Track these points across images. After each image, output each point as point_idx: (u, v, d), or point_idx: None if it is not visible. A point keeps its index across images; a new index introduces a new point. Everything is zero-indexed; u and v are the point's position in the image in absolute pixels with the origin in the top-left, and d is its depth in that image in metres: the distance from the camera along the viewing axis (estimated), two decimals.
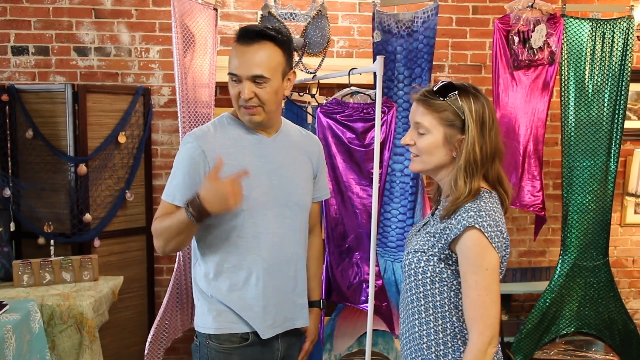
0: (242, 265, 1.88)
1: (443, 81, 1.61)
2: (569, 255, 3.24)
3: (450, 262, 1.57)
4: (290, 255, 1.96)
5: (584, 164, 3.18)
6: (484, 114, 1.58)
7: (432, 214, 1.72)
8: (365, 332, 2.83)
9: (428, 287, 1.59)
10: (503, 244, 1.55)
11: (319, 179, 2.11)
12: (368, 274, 2.48)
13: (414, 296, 1.63)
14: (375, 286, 2.41)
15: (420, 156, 1.65)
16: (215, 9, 3.14)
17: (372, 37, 2.82)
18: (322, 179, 2.15)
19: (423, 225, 1.72)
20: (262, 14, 2.54)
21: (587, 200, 3.19)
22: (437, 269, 1.58)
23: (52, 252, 3.21)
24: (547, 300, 3.26)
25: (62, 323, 2.81)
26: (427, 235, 1.62)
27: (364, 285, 2.53)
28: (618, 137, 3.16)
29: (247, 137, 1.92)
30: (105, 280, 3.17)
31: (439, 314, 1.60)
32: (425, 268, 1.59)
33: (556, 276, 3.27)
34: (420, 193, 2.82)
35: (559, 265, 3.27)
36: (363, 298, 2.54)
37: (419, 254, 1.61)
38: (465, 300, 1.53)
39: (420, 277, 1.60)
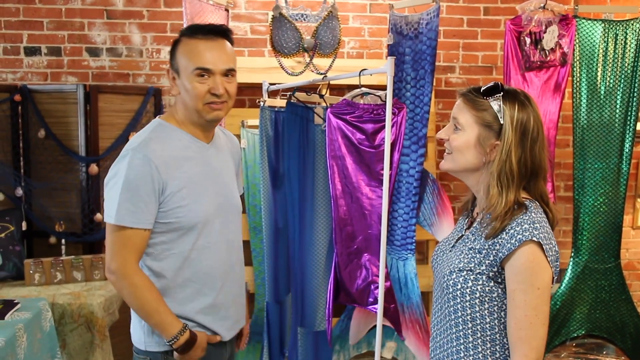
0: (196, 278, 1.85)
1: (496, 82, 1.52)
2: (580, 257, 3.22)
3: (499, 280, 1.45)
4: (235, 259, 1.97)
5: (596, 165, 3.16)
6: (527, 123, 1.46)
7: (468, 228, 1.61)
8: (371, 327, 2.84)
9: (477, 309, 1.47)
10: (555, 258, 1.44)
11: (238, 178, 2.11)
12: (376, 276, 2.48)
13: (460, 319, 1.50)
14: (384, 288, 2.40)
15: (452, 154, 1.55)
16: (227, 10, 3.15)
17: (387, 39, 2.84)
18: (239, 180, 2.14)
19: (457, 240, 1.61)
20: (273, 15, 2.54)
21: (598, 202, 3.17)
22: (487, 288, 1.46)
23: (63, 251, 3.24)
24: (558, 302, 3.24)
25: (73, 322, 2.83)
26: (471, 251, 1.50)
27: (372, 287, 2.53)
28: (630, 139, 3.14)
29: (190, 146, 1.86)
30: None
31: (488, 337, 1.48)
32: (473, 288, 1.47)
33: (567, 278, 3.25)
34: (434, 193, 2.81)
35: (570, 268, 3.25)
36: (371, 299, 2.53)
37: (465, 272, 1.48)
38: (511, 319, 1.42)
39: (468, 297, 1.47)
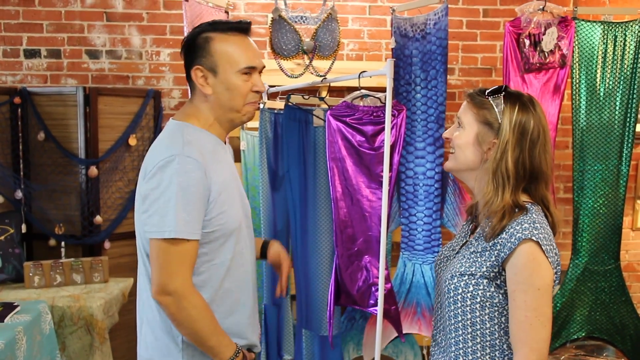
0: (235, 287, 1.75)
1: (502, 85, 1.55)
2: (580, 259, 3.22)
3: (499, 283, 1.45)
4: (254, 264, 1.88)
5: (595, 167, 3.16)
6: (526, 124, 1.47)
7: (472, 232, 1.62)
8: (392, 339, 2.83)
9: (477, 314, 1.47)
10: (555, 260, 1.44)
11: None
12: (377, 277, 2.47)
13: (460, 324, 1.51)
14: (384, 290, 2.40)
15: (455, 152, 1.58)
16: (226, 12, 3.15)
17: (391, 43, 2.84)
18: None
19: (462, 246, 1.61)
20: (272, 17, 2.54)
21: (598, 204, 3.17)
22: (488, 293, 1.46)
23: (62, 254, 3.23)
24: (558, 304, 3.24)
25: (73, 324, 2.82)
26: (473, 255, 1.51)
27: (373, 289, 2.53)
28: (630, 140, 3.14)
29: (218, 149, 1.74)
30: (116, 282, 3.19)
31: (488, 342, 1.48)
32: (474, 292, 1.47)
33: (567, 280, 3.25)
34: (456, 193, 2.80)
35: (570, 270, 3.25)
36: (372, 301, 2.53)
37: (466, 277, 1.49)
38: (512, 320, 1.42)
39: (468, 302, 1.48)
